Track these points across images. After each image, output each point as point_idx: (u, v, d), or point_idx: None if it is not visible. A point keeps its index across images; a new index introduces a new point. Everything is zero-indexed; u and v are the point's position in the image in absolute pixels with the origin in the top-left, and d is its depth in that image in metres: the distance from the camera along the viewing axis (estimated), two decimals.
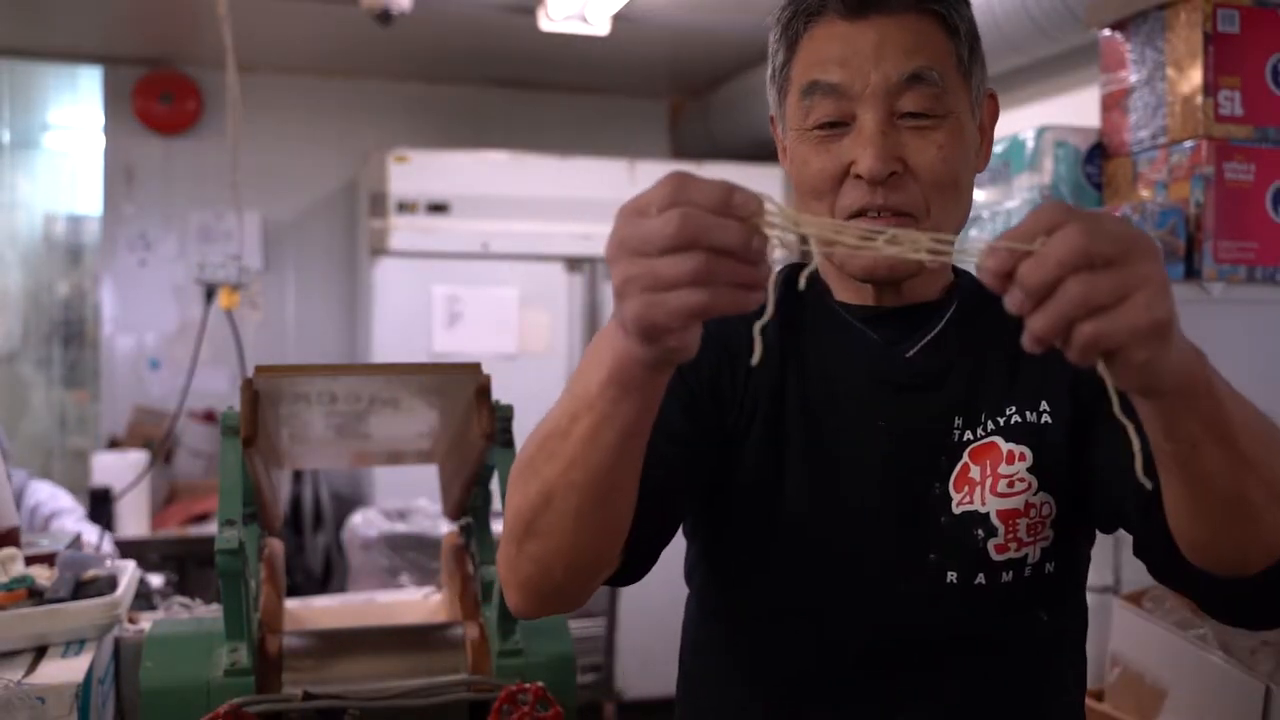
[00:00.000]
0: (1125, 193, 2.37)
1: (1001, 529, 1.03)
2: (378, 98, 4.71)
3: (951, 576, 1.03)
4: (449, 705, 1.16)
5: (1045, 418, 1.05)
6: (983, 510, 1.03)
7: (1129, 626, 1.87)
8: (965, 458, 1.05)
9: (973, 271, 0.69)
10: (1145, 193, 2.30)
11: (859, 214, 1.02)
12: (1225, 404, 0.74)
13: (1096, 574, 2.15)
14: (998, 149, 2.63)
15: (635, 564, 0.98)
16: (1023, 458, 1.04)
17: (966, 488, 1.04)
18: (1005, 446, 1.04)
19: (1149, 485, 0.71)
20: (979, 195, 2.74)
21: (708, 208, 0.68)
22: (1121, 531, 2.23)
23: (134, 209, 4.51)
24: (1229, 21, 2.16)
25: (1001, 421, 1.06)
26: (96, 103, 4.51)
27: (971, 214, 2.79)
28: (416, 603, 1.70)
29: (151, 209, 4.52)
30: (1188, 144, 2.18)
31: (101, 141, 4.50)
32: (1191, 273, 2.18)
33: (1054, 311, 0.65)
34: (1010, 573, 1.03)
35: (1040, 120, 2.94)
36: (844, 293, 1.13)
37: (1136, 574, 2.08)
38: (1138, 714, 1.81)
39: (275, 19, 3.87)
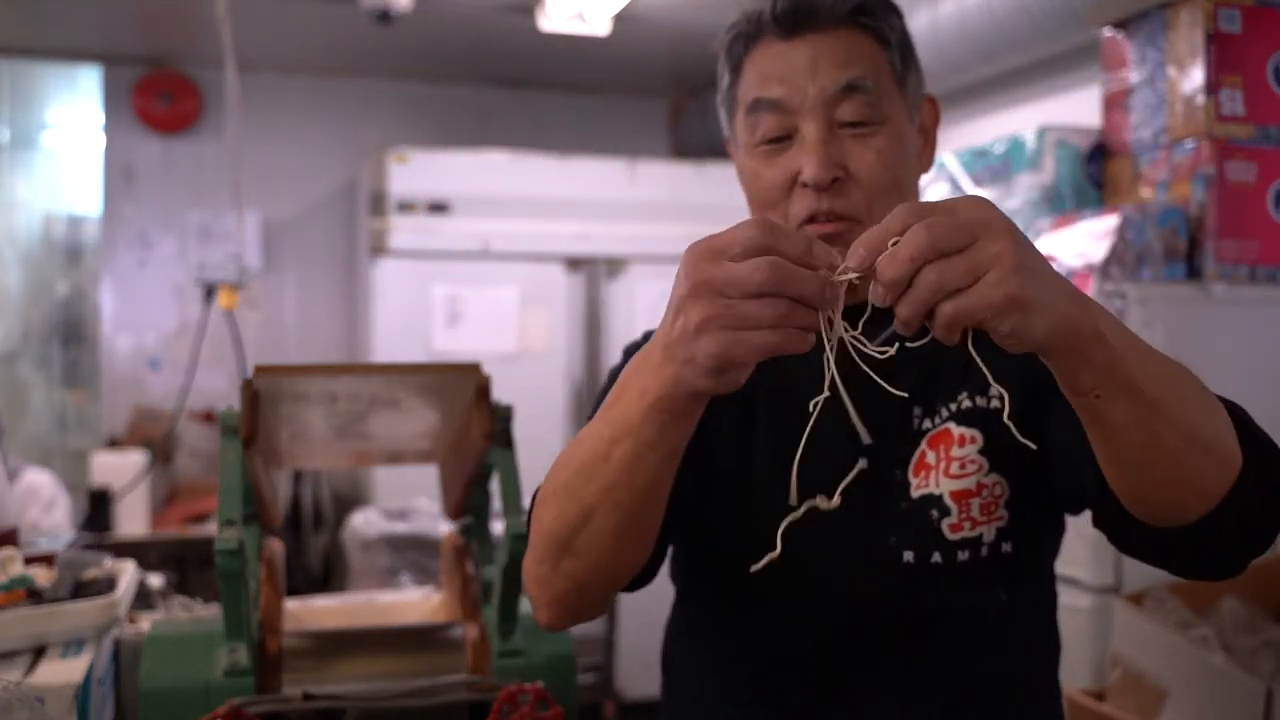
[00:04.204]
0: (1126, 192, 2.36)
1: (955, 509, 1.06)
2: (378, 97, 4.71)
3: (909, 556, 1.07)
4: (449, 706, 1.16)
5: (995, 403, 1.09)
6: (937, 492, 1.07)
7: (1129, 627, 1.87)
8: (923, 445, 1.09)
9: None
10: (1147, 192, 2.30)
11: (809, 220, 1.09)
12: (1123, 354, 0.76)
13: (1097, 574, 2.16)
14: (998, 149, 2.62)
15: (647, 571, 1.04)
16: (973, 440, 1.08)
17: (923, 473, 1.08)
18: (957, 430, 1.08)
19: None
20: (981, 196, 2.73)
21: (793, 258, 0.74)
22: None
23: (134, 209, 4.51)
24: (1230, 21, 2.16)
25: (954, 408, 1.09)
26: (96, 102, 4.51)
27: None
28: (416, 603, 1.70)
29: (151, 209, 4.51)
30: (1189, 143, 2.17)
31: (101, 141, 4.50)
32: (1193, 273, 2.18)
33: (913, 299, 0.71)
34: (966, 552, 1.07)
35: (1040, 120, 2.94)
36: None
37: (1137, 574, 2.07)
38: (1138, 714, 1.81)
39: (275, 19, 3.87)
